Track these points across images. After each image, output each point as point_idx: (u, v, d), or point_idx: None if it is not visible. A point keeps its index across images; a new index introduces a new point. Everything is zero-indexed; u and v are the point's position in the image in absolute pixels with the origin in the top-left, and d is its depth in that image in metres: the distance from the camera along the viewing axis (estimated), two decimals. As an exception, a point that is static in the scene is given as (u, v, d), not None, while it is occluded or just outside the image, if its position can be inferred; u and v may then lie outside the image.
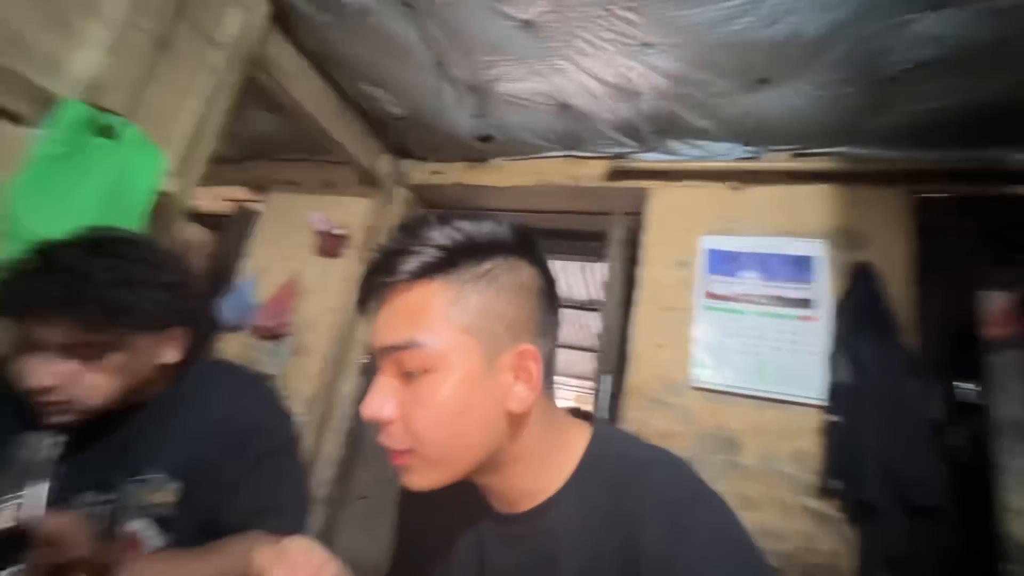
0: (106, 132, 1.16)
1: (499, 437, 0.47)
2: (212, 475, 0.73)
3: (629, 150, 2.07)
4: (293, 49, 1.77)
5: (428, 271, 0.45)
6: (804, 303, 1.75)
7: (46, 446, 0.47)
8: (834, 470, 1.52)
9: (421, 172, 2.51)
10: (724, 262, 1.89)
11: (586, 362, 5.66)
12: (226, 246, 2.81)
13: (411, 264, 0.45)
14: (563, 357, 5.97)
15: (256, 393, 0.84)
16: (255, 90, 1.72)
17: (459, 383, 0.44)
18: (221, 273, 2.74)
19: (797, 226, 1.84)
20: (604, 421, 0.55)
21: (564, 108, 1.85)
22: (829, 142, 1.78)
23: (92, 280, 0.61)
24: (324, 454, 2.16)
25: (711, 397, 1.77)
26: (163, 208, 1.34)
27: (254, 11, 1.57)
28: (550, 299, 0.51)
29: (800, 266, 1.79)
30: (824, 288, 1.74)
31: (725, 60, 1.46)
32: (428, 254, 0.45)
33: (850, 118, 1.63)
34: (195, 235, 2.83)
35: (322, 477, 2.14)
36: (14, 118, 1.07)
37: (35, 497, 0.46)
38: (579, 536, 0.47)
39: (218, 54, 1.48)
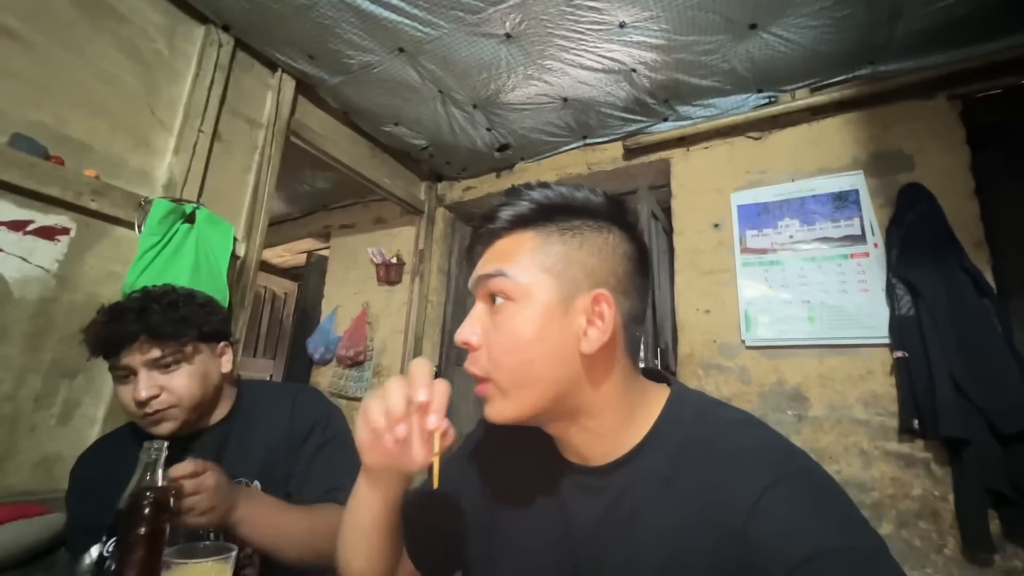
0: (186, 217, 1.46)
1: (571, 377, 0.50)
2: (284, 470, 0.89)
3: (643, 125, 2.09)
4: (320, 112, 2.03)
5: (522, 221, 0.53)
6: (853, 239, 1.65)
7: (156, 449, 0.66)
8: (911, 409, 1.42)
9: (455, 191, 2.69)
10: (758, 215, 1.83)
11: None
12: (307, 291, 3.21)
13: (508, 214, 0.53)
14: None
15: (306, 396, 0.98)
16: (300, 153, 2.00)
17: (535, 314, 0.49)
18: (309, 315, 3.13)
19: (830, 162, 1.75)
20: (681, 383, 0.57)
21: (565, 102, 1.92)
22: (848, 68, 1.67)
23: (152, 309, 0.82)
24: (414, 461, 2.38)
25: (768, 353, 1.73)
26: (239, 268, 1.63)
27: (284, 90, 1.84)
28: (638, 263, 0.54)
29: (841, 202, 1.69)
30: (872, 220, 1.63)
31: (703, 18, 1.46)
32: (523, 207, 0.53)
33: (862, 38, 1.53)
34: (276, 287, 3.26)
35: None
36: (125, 224, 1.39)
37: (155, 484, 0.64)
38: (658, 492, 0.48)
39: (260, 132, 1.76)
